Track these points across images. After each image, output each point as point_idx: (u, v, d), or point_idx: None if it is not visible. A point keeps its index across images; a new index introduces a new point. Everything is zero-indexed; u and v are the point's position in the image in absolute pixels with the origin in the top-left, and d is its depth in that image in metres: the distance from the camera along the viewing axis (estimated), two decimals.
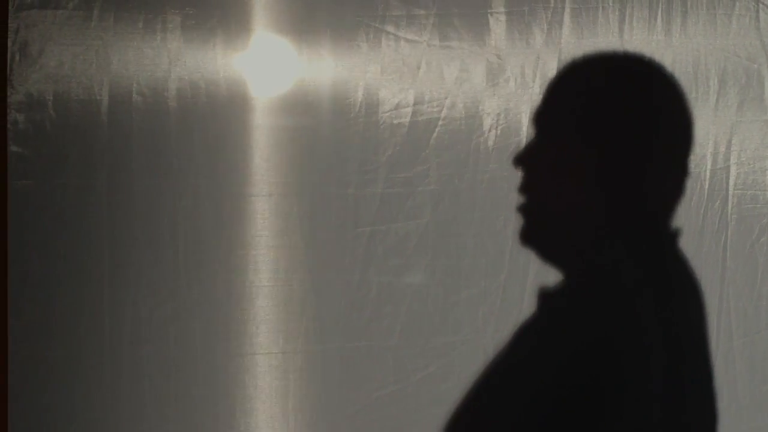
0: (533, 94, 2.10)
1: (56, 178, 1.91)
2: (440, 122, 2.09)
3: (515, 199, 1.80)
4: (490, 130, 2.11)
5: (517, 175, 1.79)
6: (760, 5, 2.24)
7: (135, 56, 1.92)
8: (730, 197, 2.25)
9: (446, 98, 2.08)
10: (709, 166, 2.24)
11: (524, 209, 1.75)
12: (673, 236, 1.70)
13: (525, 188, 1.74)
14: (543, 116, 1.74)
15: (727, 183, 2.25)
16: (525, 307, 2.12)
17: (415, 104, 2.07)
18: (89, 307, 1.94)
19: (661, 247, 1.68)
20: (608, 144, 1.60)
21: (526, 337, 1.64)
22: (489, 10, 2.09)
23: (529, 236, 1.76)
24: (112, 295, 1.94)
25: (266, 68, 1.99)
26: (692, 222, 2.23)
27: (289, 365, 2.04)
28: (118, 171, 1.93)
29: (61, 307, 1.92)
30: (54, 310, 1.93)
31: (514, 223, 2.09)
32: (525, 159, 1.74)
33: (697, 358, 1.68)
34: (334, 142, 2.04)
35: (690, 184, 2.21)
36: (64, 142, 1.90)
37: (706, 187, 2.24)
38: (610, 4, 2.16)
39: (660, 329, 1.52)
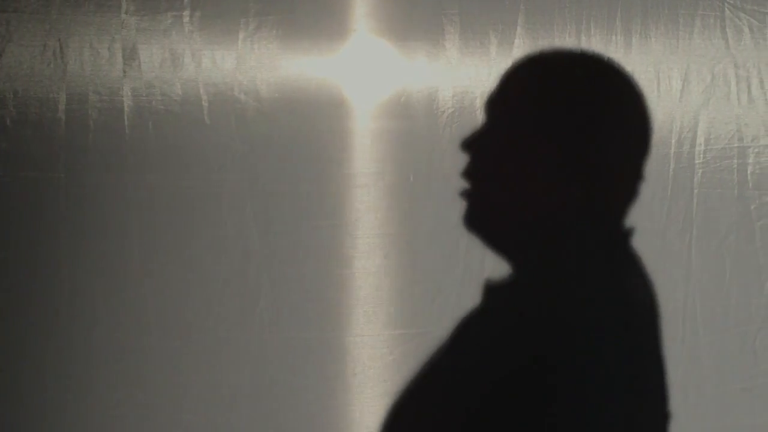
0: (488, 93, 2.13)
1: (16, 172, 2.02)
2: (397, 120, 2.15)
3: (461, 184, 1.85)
4: (444, 127, 2.16)
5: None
6: (726, 4, 2.25)
7: (91, 56, 2.03)
8: (695, 196, 2.25)
9: (402, 96, 2.14)
10: (672, 166, 2.24)
11: (469, 194, 1.75)
12: (625, 235, 1.69)
13: (470, 173, 1.74)
14: (496, 103, 1.74)
15: (692, 182, 2.26)
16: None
17: (373, 102, 2.13)
18: (47, 292, 2.04)
19: (612, 245, 1.68)
20: (560, 138, 1.60)
21: (469, 331, 1.65)
22: (442, 11, 2.15)
23: (473, 221, 1.75)
24: (70, 281, 2.05)
25: (217, 67, 2.08)
26: (655, 221, 2.24)
27: (242, 353, 2.12)
28: (76, 165, 2.04)
29: (21, 293, 2.03)
30: (15, 297, 2.04)
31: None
32: (473, 143, 1.73)
33: (647, 357, 1.67)
34: (291, 141, 2.12)
35: (652, 183, 2.22)
36: (24, 137, 2.02)
37: (669, 186, 2.24)
38: (567, 4, 2.19)
39: (610, 329, 1.52)
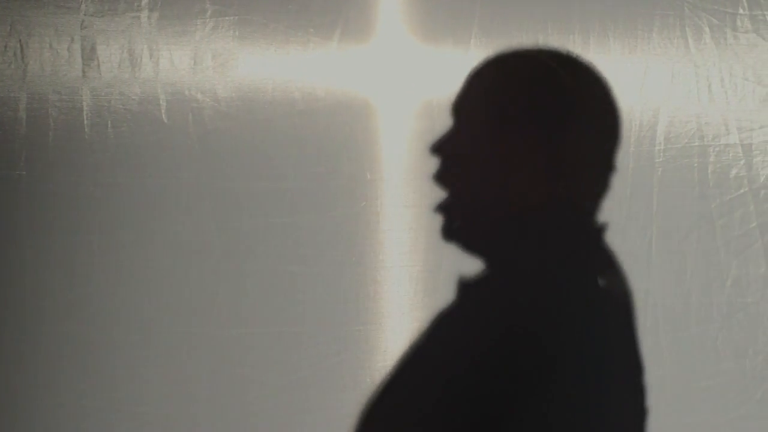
0: (441, 92, 2.16)
1: None
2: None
3: (432, 188, 1.89)
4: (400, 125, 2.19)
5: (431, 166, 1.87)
6: (685, 3, 2.26)
7: (51, 57, 2.08)
8: (654, 195, 2.26)
9: (358, 97, 2.17)
10: (632, 164, 2.26)
11: (443, 207, 1.76)
12: (598, 231, 1.70)
13: (440, 177, 1.75)
14: (462, 105, 1.75)
15: (652, 181, 2.27)
16: (439, 297, 2.17)
17: (328, 100, 2.17)
18: (10, 287, 2.10)
19: (586, 240, 1.69)
20: (528, 137, 1.61)
21: (443, 327, 1.67)
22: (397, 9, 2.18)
23: (449, 230, 1.77)
24: (32, 276, 2.10)
25: (175, 67, 2.12)
26: (615, 220, 2.25)
27: (200, 348, 2.16)
28: (36, 162, 2.09)
29: None
30: None
31: (426, 216, 2.15)
32: (442, 147, 1.74)
33: (623, 352, 1.68)
34: (247, 139, 2.16)
35: (613, 179, 2.23)
36: None
37: (629, 184, 2.26)
38: (523, 3, 2.21)
39: (583, 324, 1.53)
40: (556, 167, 1.62)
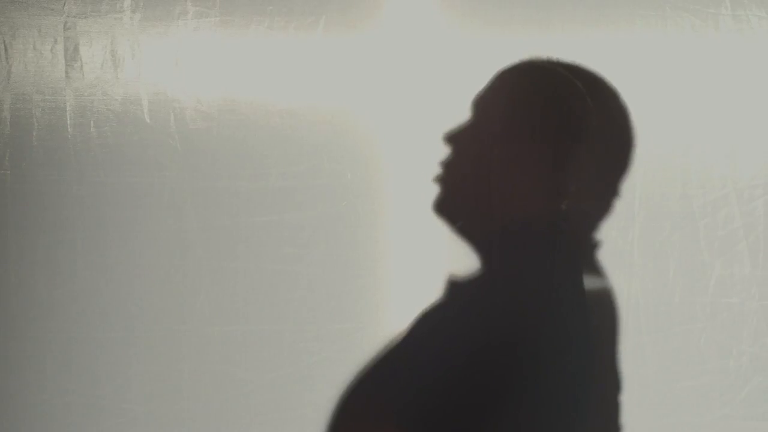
0: (423, 92, 2.18)
1: None
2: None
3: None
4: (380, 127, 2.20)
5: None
6: (667, 3, 2.26)
7: (34, 58, 2.12)
8: (637, 195, 2.26)
9: (326, 98, 2.19)
10: None
11: (442, 180, 1.75)
12: (593, 246, 1.70)
13: (449, 164, 1.75)
14: (483, 102, 1.75)
15: (634, 180, 2.26)
16: (419, 297, 2.18)
17: (308, 100, 2.19)
18: None
19: (581, 253, 1.69)
20: (540, 145, 1.61)
21: (423, 326, 1.68)
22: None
23: (441, 207, 1.77)
24: (16, 274, 2.13)
25: (157, 67, 2.15)
26: None
27: (183, 346, 2.18)
28: (21, 162, 2.12)
29: None
30: None
31: (407, 215, 2.17)
32: (457, 137, 1.74)
33: (604, 366, 1.68)
34: (228, 139, 2.19)
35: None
36: None
37: None
38: (506, 5, 2.22)
39: (568, 336, 1.54)
40: (564, 183, 1.63)
